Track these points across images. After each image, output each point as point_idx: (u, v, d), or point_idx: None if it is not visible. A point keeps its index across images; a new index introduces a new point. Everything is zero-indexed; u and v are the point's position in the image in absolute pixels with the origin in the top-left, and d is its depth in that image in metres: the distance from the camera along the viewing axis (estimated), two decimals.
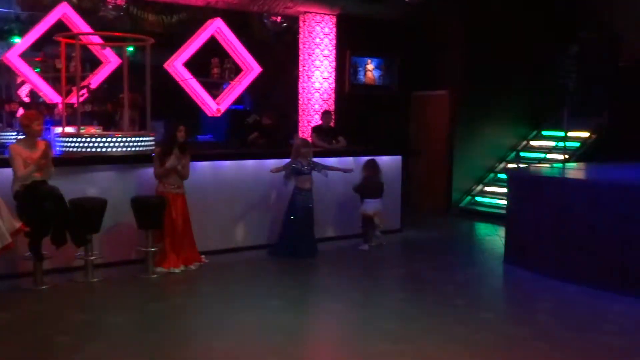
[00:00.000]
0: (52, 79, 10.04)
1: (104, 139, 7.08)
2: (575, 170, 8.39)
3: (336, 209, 8.72)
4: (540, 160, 11.28)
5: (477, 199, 11.65)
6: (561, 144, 10.90)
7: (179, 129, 6.97)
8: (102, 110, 9.58)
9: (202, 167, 7.69)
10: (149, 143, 7.42)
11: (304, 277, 6.90)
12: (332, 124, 9.80)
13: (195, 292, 6.35)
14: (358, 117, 11.16)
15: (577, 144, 11.32)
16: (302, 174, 7.68)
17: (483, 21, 11.41)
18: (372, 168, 8.32)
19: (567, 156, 10.81)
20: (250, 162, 8.08)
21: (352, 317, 5.53)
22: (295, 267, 7.30)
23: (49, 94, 10.08)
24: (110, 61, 10.43)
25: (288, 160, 7.73)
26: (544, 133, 12.17)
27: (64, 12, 9.90)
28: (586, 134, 11.43)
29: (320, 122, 9.97)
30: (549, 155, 11.36)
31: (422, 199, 11.72)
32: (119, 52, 9.68)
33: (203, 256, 7.35)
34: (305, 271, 7.16)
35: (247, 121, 10.22)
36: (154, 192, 6.98)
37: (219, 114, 9.73)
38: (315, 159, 7.85)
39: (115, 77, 9.85)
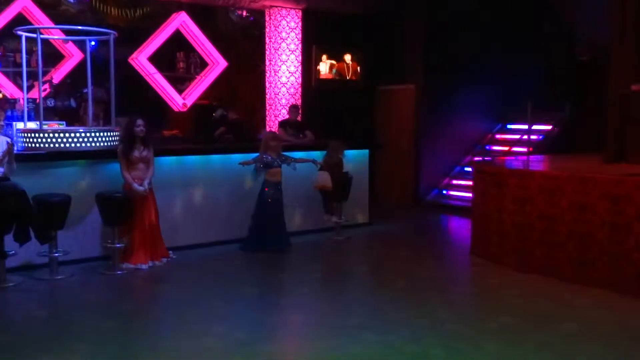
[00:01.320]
0: (13, 74, 9.87)
1: (67, 135, 7.00)
2: (537, 162, 8.58)
3: (306, 202, 8.76)
4: (504, 154, 11.48)
5: (444, 192, 11.79)
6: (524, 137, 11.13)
7: (136, 124, 6.91)
8: (66, 106, 9.45)
9: (169, 163, 7.67)
10: (114, 138, 7.36)
11: (273, 271, 6.95)
12: (299, 118, 9.81)
13: (161, 289, 6.34)
14: (325, 112, 11.21)
15: (541, 137, 11.56)
16: (271, 167, 7.71)
17: (445, 15, 11.54)
18: (335, 147, 8.38)
19: (530, 148, 11.04)
20: (217, 157, 8.07)
21: (318, 312, 5.57)
22: (266, 261, 7.33)
23: (9, 89, 9.91)
24: (73, 55, 10.29)
25: (257, 154, 7.75)
26: (509, 126, 12.40)
27: (24, 5, 9.73)
28: (549, 127, 11.68)
29: (287, 116, 9.98)
30: (514, 148, 11.56)
31: (390, 192, 11.82)
32: (82, 47, 9.56)
33: (170, 252, 7.34)
34: (275, 265, 7.20)
35: (214, 116, 10.19)
36: (121, 187, 6.95)
37: (185, 109, 9.69)
38: (284, 153, 7.89)
39: (78, 72, 9.73)
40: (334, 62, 11.65)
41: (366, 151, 9.52)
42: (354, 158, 9.17)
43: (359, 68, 11.88)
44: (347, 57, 11.76)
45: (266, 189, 7.73)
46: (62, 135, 7.00)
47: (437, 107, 11.65)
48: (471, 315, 5.53)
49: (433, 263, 7.35)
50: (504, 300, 5.85)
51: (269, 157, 7.69)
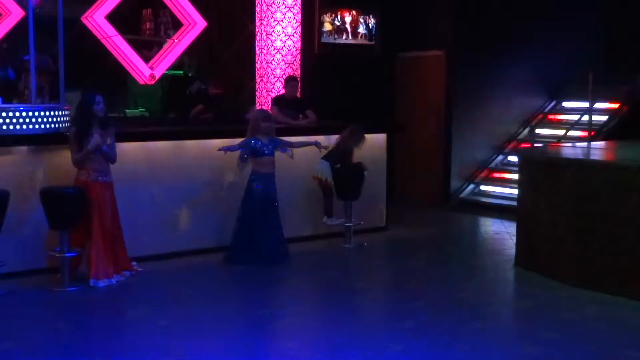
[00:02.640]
0: None
1: (4, 114, 6.97)
2: (601, 150, 8.53)
3: (308, 199, 8.74)
4: (559, 139, 11.46)
5: (482, 187, 11.77)
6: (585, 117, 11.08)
7: (95, 101, 6.90)
8: (1, 77, 9.42)
9: (132, 150, 7.64)
10: (63, 119, 7.33)
11: (264, 291, 6.93)
12: (298, 94, 9.76)
13: (124, 311, 6.34)
14: (330, 85, 11.17)
15: (606, 118, 11.50)
16: (261, 155, 7.68)
17: None
18: (354, 134, 8.38)
19: (592, 132, 10.99)
20: (193, 143, 8.06)
21: (316, 347, 5.55)
22: (255, 276, 7.32)
23: None
24: (11, 13, 10.22)
25: (243, 139, 7.75)
26: (565, 104, 12.34)
27: None
28: (615, 105, 11.61)
29: (282, 91, 9.94)
30: (571, 132, 11.54)
31: (413, 188, 11.79)
32: (22, 2, 9.51)
33: (134, 263, 7.34)
34: (267, 283, 7.18)
35: (190, 91, 10.15)
36: (73, 181, 6.95)
37: (152, 82, 9.65)
38: (278, 137, 7.88)
39: (17, 34, 9.67)
40: (342, 21, 11.59)
41: (383, 135, 9.49)
42: (368, 144, 9.12)
43: (373, 29, 11.82)
44: (360, 17, 11.70)
45: (255, 183, 7.72)
46: None
47: (473, 79, 11.60)
48: (521, 347, 5.49)
49: (466, 279, 7.33)
50: (561, 326, 5.81)
51: (259, 142, 7.66)
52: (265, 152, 7.68)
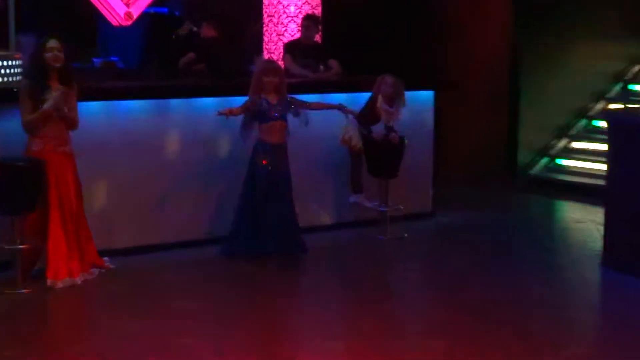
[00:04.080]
0: None
1: None
2: None
3: (332, 177, 8.73)
4: None
5: (559, 161, 11.71)
6: None
7: (47, 47, 6.84)
8: None
9: (100, 111, 7.65)
10: (13, 71, 7.35)
11: (269, 298, 6.86)
12: (318, 38, 9.70)
13: (87, 317, 6.38)
14: (361, 28, 11.07)
15: None
16: (268, 120, 7.65)
17: None
18: (393, 86, 8.36)
19: None
20: (181, 103, 8.04)
21: None
22: (258, 277, 7.32)
23: None
24: None
25: (246, 98, 7.72)
26: None
27: None
28: None
29: (298, 35, 9.88)
30: None
31: (468, 162, 11.71)
32: None
33: (105, 258, 7.36)
34: (272, 286, 7.15)
35: (178, 33, 10.12)
36: (24, 152, 6.94)
37: (128, 22, 9.66)
38: (290, 96, 7.83)
39: None
40: None
41: (430, 93, 9.42)
42: (410, 106, 9.02)
43: None
44: None
45: (260, 156, 7.68)
46: None
47: (548, 21, 11.48)
48: None
49: (538, 282, 7.24)
50: None
51: (264, 103, 7.63)
52: (274, 115, 7.65)
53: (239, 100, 7.74)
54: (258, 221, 7.70)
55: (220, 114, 7.59)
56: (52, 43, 6.89)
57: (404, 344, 5.86)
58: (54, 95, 6.82)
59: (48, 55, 6.87)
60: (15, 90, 7.04)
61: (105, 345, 5.71)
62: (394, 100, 8.40)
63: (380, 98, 8.37)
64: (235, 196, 7.86)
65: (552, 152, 11.80)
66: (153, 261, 7.67)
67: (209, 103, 7.95)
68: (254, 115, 7.65)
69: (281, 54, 9.86)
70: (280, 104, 7.69)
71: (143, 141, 7.87)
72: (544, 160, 11.75)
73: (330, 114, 8.22)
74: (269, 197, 7.69)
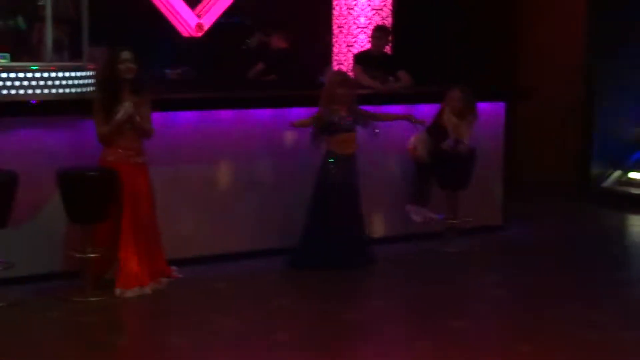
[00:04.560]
0: None
1: (12, 75, 7.07)
2: None
3: (400, 188, 8.69)
4: None
5: (633, 175, 11.48)
6: None
7: (120, 58, 6.92)
8: (9, 27, 9.60)
9: (173, 122, 7.70)
10: (87, 82, 7.42)
11: (338, 308, 6.88)
12: (388, 48, 9.67)
13: (164, 329, 6.40)
14: (431, 39, 11.02)
15: None
16: (337, 131, 7.67)
17: None
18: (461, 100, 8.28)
19: None
20: (252, 113, 8.06)
21: None
22: (328, 288, 7.31)
23: None
24: None
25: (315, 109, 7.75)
26: None
27: None
28: None
29: (368, 46, 9.87)
30: None
31: (540, 174, 11.60)
32: None
33: (174, 268, 7.41)
34: (342, 297, 7.15)
35: (248, 44, 10.17)
36: (97, 162, 7.02)
37: (200, 34, 9.74)
38: (359, 107, 7.84)
39: None
40: None
41: (500, 105, 9.35)
42: (481, 117, 8.96)
43: None
44: None
45: (330, 168, 7.70)
46: (2, 75, 7.03)
47: (627, 23, 11.29)
48: None
49: (611, 300, 7.10)
50: None
51: (335, 115, 7.64)
52: (343, 127, 7.66)
53: (310, 112, 7.76)
54: (328, 233, 7.70)
55: (293, 125, 7.67)
56: (125, 55, 6.96)
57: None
58: (125, 106, 6.90)
59: (121, 67, 6.94)
60: (89, 101, 7.11)
61: (169, 357, 5.74)
62: (464, 114, 8.32)
63: (447, 111, 8.30)
64: (303, 206, 7.87)
65: (628, 164, 11.58)
66: (221, 270, 7.70)
67: (281, 114, 8.01)
68: (324, 127, 7.66)
69: (351, 65, 9.85)
70: (349, 115, 7.69)
71: (214, 151, 7.92)
72: (617, 173, 11.55)
73: (399, 127, 8.20)
74: (338, 208, 7.70)
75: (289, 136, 7.96)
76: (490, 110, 9.21)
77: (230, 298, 7.04)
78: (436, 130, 8.33)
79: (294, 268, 7.78)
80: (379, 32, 9.52)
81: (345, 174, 7.74)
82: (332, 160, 7.72)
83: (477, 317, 6.81)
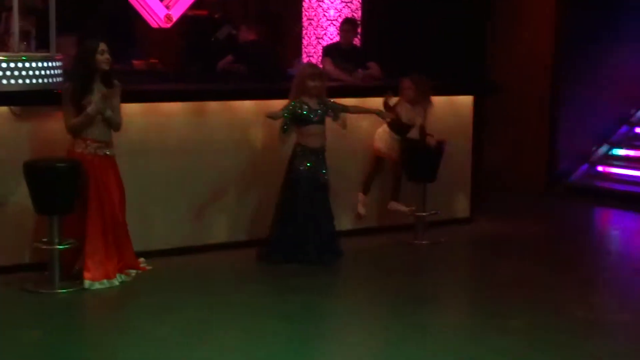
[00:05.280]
0: None
1: None
2: None
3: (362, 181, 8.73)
4: None
5: (600, 168, 11.63)
6: None
7: (99, 49, 6.90)
8: None
9: (141, 113, 7.68)
10: (55, 72, 7.37)
11: (305, 300, 6.86)
12: (357, 41, 9.67)
13: (124, 320, 6.40)
14: (400, 32, 11.05)
15: None
16: (307, 123, 7.66)
17: None
18: (410, 89, 8.35)
19: None
20: (220, 105, 8.06)
21: None
22: (294, 281, 7.31)
23: None
24: None
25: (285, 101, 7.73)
26: None
27: None
28: None
29: (337, 38, 9.89)
30: None
31: (508, 168, 11.65)
32: None
33: (142, 259, 7.41)
34: (309, 289, 7.13)
35: (216, 37, 10.15)
36: (65, 153, 7.01)
37: (168, 25, 9.71)
38: (329, 99, 7.83)
39: None
40: None
41: (469, 99, 9.40)
42: (450, 111, 9.04)
43: None
44: None
45: (299, 161, 7.68)
46: None
47: (593, 21, 11.37)
48: None
49: (578, 294, 7.16)
50: None
51: (304, 107, 7.64)
52: (313, 119, 7.64)
53: (279, 104, 7.75)
54: (297, 227, 7.69)
55: (269, 116, 7.60)
56: (103, 46, 6.92)
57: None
58: (96, 97, 6.87)
59: (100, 58, 6.90)
60: (57, 92, 7.09)
61: (135, 349, 5.71)
62: (418, 101, 8.37)
63: (401, 102, 8.35)
64: (274, 198, 7.88)
65: (594, 158, 11.71)
66: (189, 263, 7.70)
67: (247, 106, 8.02)
68: (293, 119, 7.64)
69: (320, 57, 9.86)
70: (319, 108, 7.67)
71: (182, 143, 7.90)
72: (585, 167, 11.67)
73: (367, 122, 8.28)
74: (307, 202, 7.68)
75: (260, 128, 7.94)
76: (460, 104, 9.29)
77: (197, 290, 7.01)
78: (396, 123, 8.36)
79: (263, 261, 7.77)
80: (347, 25, 9.53)
81: (315, 168, 7.71)
82: (300, 153, 7.69)
83: (447, 307, 6.88)
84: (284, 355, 5.65)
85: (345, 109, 7.87)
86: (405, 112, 8.33)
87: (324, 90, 7.75)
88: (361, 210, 8.66)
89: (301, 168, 7.69)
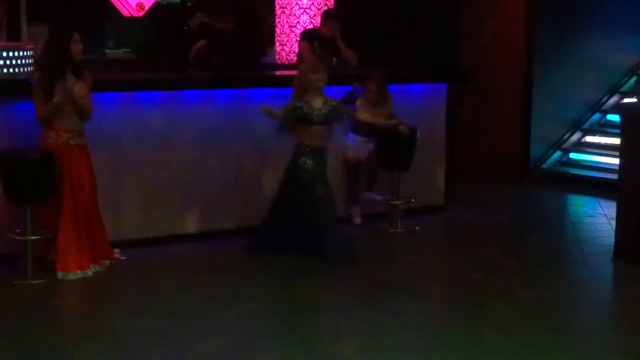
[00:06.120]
0: None
1: None
2: None
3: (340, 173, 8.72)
4: None
5: (573, 156, 11.69)
6: None
7: (72, 38, 6.87)
8: None
9: (113, 102, 7.65)
10: (25, 62, 7.36)
11: (285, 291, 6.92)
12: (336, 32, 9.61)
13: (96, 311, 6.39)
14: (374, 20, 11.04)
15: None
16: (310, 124, 7.44)
17: None
18: (379, 89, 8.34)
19: None
20: (194, 94, 8.03)
21: None
22: (274, 269, 7.34)
23: None
24: None
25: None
26: None
27: None
28: None
29: (310, 26, 9.97)
30: None
31: (481, 157, 11.69)
32: None
33: (116, 250, 7.38)
34: (288, 276, 7.19)
35: (189, 25, 10.11)
36: (37, 143, 6.98)
37: (140, 13, 9.67)
38: (336, 100, 7.71)
39: None
40: None
41: (443, 86, 9.42)
42: (422, 100, 9.07)
43: None
44: None
45: (303, 160, 7.48)
46: None
47: (564, 14, 11.44)
48: None
49: (550, 278, 7.26)
50: None
51: (307, 107, 7.40)
52: (317, 120, 7.44)
53: (254, 93, 7.74)
54: (289, 220, 7.57)
55: (263, 110, 7.45)
56: (77, 35, 6.90)
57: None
58: (67, 87, 6.83)
59: (74, 47, 6.88)
60: (28, 81, 7.06)
61: (110, 341, 5.73)
62: (379, 101, 8.35)
63: (361, 102, 8.33)
64: (248, 187, 7.93)
65: (565, 145, 11.75)
66: (164, 253, 7.68)
67: (221, 95, 8.03)
68: (297, 118, 7.43)
69: (293, 46, 9.83)
70: (324, 108, 7.48)
71: (156, 132, 7.88)
72: (557, 155, 11.71)
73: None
74: (310, 203, 7.51)
75: (235, 117, 7.93)
76: (433, 92, 9.31)
77: (172, 280, 7.01)
78: (359, 125, 8.36)
79: (248, 250, 7.66)
80: (333, 21, 9.48)
81: (318, 166, 7.54)
82: (303, 153, 7.49)
83: (423, 296, 6.88)
84: (260, 343, 5.67)
85: (352, 114, 7.82)
86: (365, 111, 8.28)
87: (324, 83, 7.52)
88: (357, 220, 8.66)
89: (304, 169, 7.49)
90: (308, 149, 7.49)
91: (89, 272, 6.95)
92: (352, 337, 5.94)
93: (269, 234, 7.65)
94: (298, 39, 9.96)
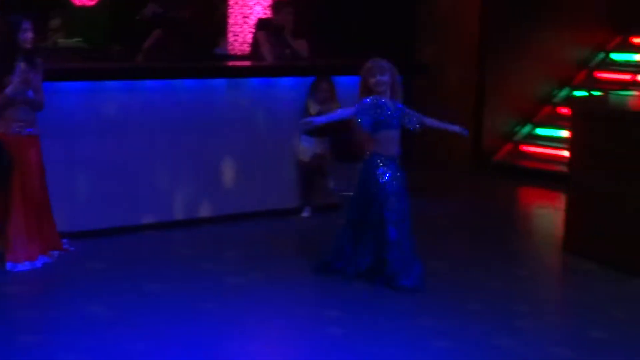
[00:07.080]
0: None
1: None
2: None
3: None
4: (626, 85, 11.39)
5: (524, 148, 11.78)
6: None
7: (21, 27, 6.78)
8: None
9: (66, 93, 7.60)
10: None
11: (237, 286, 6.90)
12: (291, 23, 9.58)
13: (45, 302, 6.39)
14: (330, 11, 11.05)
15: None
16: (384, 128, 6.60)
17: None
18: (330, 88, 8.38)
19: None
20: (154, 85, 8.02)
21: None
22: (230, 265, 7.31)
23: None
24: None
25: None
26: (636, 40, 12.25)
27: None
28: None
29: (264, 15, 9.93)
30: None
31: (435, 148, 11.71)
32: None
33: (65, 240, 7.36)
34: (242, 273, 7.10)
35: (142, 15, 10.04)
36: None
37: (92, 3, 9.60)
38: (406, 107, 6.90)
39: None
40: None
41: (399, 78, 9.42)
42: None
43: None
44: None
45: (380, 171, 6.60)
46: None
47: (517, 8, 11.54)
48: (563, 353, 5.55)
49: (499, 269, 7.32)
50: (614, 328, 5.87)
51: (385, 109, 6.61)
52: (393, 122, 6.65)
53: (214, 83, 7.77)
54: (360, 241, 6.84)
55: (307, 122, 7.03)
56: (25, 24, 6.79)
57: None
58: (16, 78, 6.75)
59: (22, 36, 6.79)
60: None
61: (61, 332, 5.69)
62: (328, 101, 8.40)
63: (311, 103, 8.41)
64: (202, 178, 7.97)
65: (516, 138, 11.86)
66: (115, 244, 7.65)
67: (186, 84, 8.06)
68: (370, 122, 6.61)
69: (246, 36, 9.80)
70: (395, 110, 6.68)
71: (111, 122, 7.84)
72: (508, 147, 11.81)
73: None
74: (388, 219, 6.63)
75: (193, 107, 7.94)
76: None
77: (122, 271, 6.99)
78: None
79: (321, 273, 6.98)
80: (284, 8, 9.43)
81: (396, 179, 6.64)
82: (379, 163, 6.62)
83: (380, 287, 6.86)
84: (217, 337, 5.67)
85: (423, 122, 6.99)
86: (314, 110, 8.31)
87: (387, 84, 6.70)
88: (307, 213, 8.71)
89: (382, 181, 6.61)
90: (384, 159, 6.65)
91: (38, 263, 6.91)
92: (318, 332, 5.95)
93: (349, 258, 6.87)
94: (252, 30, 9.93)
